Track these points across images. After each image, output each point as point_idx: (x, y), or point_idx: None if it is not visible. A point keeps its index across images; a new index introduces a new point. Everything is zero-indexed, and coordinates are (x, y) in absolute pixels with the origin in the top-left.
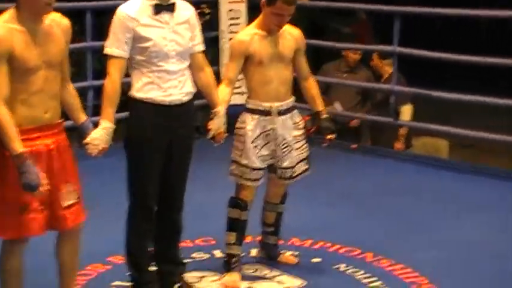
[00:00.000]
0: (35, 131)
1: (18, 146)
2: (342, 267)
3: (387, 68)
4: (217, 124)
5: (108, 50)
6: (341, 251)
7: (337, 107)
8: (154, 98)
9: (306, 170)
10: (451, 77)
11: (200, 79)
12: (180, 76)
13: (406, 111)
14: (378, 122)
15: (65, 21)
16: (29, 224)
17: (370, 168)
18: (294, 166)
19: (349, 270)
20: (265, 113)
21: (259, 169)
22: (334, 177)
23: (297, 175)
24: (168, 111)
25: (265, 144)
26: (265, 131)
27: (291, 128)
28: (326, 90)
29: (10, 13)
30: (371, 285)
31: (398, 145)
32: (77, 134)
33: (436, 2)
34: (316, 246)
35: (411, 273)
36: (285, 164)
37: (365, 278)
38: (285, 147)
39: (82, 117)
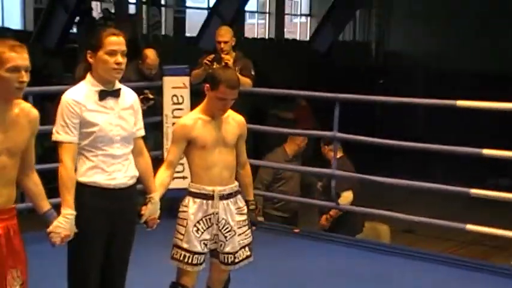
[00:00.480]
0: None
1: None
2: None
3: (331, 153)
4: (150, 210)
5: (58, 137)
6: None
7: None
8: (99, 182)
9: (249, 256)
10: (396, 163)
11: (139, 164)
12: (124, 160)
13: (345, 197)
14: (321, 206)
15: (34, 112)
16: None
17: (312, 253)
18: (237, 252)
19: None
20: (208, 197)
21: (201, 253)
22: (276, 260)
23: (239, 261)
24: (112, 194)
25: (207, 228)
26: (207, 215)
27: (233, 213)
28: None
29: None
30: None
31: (324, 221)
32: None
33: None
34: None
35: None
36: (227, 249)
37: None
38: (228, 232)
39: (45, 206)
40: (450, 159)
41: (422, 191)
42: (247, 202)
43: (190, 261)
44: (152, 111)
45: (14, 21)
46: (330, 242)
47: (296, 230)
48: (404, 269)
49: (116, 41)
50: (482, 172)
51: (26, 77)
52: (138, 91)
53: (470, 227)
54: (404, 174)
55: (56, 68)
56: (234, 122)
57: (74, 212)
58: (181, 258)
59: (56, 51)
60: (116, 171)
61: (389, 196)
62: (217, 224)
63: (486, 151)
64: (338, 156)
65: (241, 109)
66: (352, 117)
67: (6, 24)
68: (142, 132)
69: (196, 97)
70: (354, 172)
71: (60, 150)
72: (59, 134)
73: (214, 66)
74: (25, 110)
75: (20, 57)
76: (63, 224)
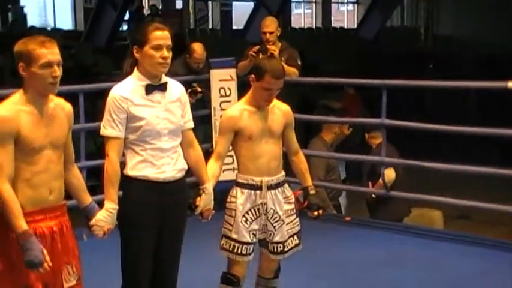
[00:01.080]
0: (39, 213)
1: (22, 223)
2: None
3: (373, 140)
4: (205, 201)
5: (105, 132)
6: None
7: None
8: (149, 176)
9: (297, 244)
10: (445, 148)
11: (190, 156)
12: (172, 153)
13: (388, 175)
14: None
15: (68, 106)
16: None
17: (364, 241)
18: (285, 241)
19: None
20: (256, 187)
21: (250, 243)
22: (326, 249)
23: (288, 250)
24: (162, 188)
25: (256, 218)
26: (255, 205)
27: (281, 203)
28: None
29: (18, 95)
30: None
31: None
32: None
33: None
34: None
35: None
36: (276, 238)
37: None
38: (276, 222)
39: (87, 199)
40: (505, 143)
41: (476, 175)
42: (306, 188)
43: (239, 251)
44: (201, 105)
45: (65, 21)
46: (382, 229)
47: (347, 218)
48: (459, 255)
49: (161, 36)
50: None
51: (58, 72)
52: (186, 85)
53: None
54: (458, 160)
55: (105, 66)
56: (280, 111)
57: (117, 206)
58: (230, 249)
59: (106, 49)
60: (165, 164)
61: (442, 182)
62: (265, 214)
63: None
64: (378, 142)
65: (289, 99)
66: (402, 103)
67: (58, 25)
68: (191, 124)
69: (243, 89)
70: (397, 157)
71: (106, 144)
72: (105, 128)
73: (260, 57)
74: (60, 105)
75: (51, 53)
76: (106, 218)
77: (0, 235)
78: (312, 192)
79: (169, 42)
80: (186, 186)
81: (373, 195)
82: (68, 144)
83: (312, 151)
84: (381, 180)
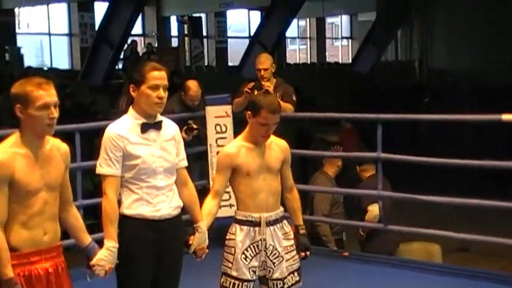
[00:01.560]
0: (35, 254)
1: (8, 271)
2: None
3: (364, 173)
4: (198, 240)
5: (101, 170)
6: None
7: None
8: (144, 214)
9: (298, 281)
10: (441, 180)
11: (183, 194)
12: (168, 191)
13: (371, 211)
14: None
15: (64, 147)
16: None
17: (363, 275)
18: (285, 277)
19: None
20: (255, 223)
21: (250, 281)
22: (326, 285)
23: (288, 287)
24: (158, 225)
25: (255, 255)
26: (254, 242)
27: (280, 239)
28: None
29: (14, 137)
30: None
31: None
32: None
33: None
34: None
35: None
36: (276, 275)
37: None
38: (276, 258)
39: (86, 239)
40: (502, 176)
41: (475, 208)
42: (297, 227)
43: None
44: (197, 141)
45: (62, 61)
46: (380, 263)
47: (345, 254)
48: None
49: (158, 76)
50: None
51: (55, 113)
52: (182, 122)
53: None
54: (454, 192)
55: (103, 104)
56: (277, 147)
57: (117, 245)
58: (230, 286)
59: (103, 88)
60: (161, 202)
61: (438, 214)
62: (265, 251)
63: None
64: (369, 175)
65: (286, 134)
66: (398, 137)
67: (55, 65)
68: (185, 163)
69: (239, 126)
70: (390, 190)
71: (104, 183)
72: (101, 167)
73: (255, 93)
74: (56, 145)
75: (48, 94)
76: (107, 257)
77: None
78: (302, 231)
79: (166, 82)
80: (182, 223)
81: (362, 233)
82: (66, 184)
83: (315, 186)
84: (366, 216)
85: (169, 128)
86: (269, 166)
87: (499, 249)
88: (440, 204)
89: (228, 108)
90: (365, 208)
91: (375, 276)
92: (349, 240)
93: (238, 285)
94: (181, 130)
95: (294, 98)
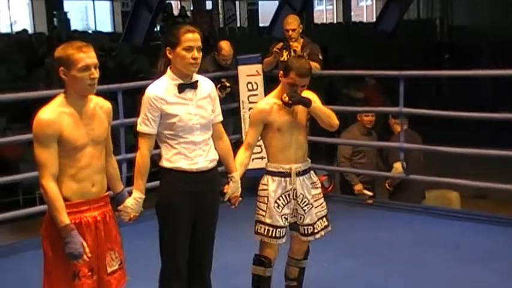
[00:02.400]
0: (84, 204)
1: (64, 218)
2: None
3: (396, 126)
4: (232, 188)
5: (139, 128)
6: None
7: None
8: (183, 167)
9: (326, 226)
10: (463, 133)
11: (219, 147)
12: (204, 145)
13: (396, 168)
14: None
15: (107, 104)
16: None
17: (386, 221)
18: (315, 223)
19: None
20: (285, 174)
21: (282, 227)
22: (353, 230)
23: (318, 232)
24: (196, 177)
25: (287, 203)
26: (286, 191)
27: (309, 187)
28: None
29: (60, 98)
30: None
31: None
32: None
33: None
34: None
35: None
36: (306, 221)
37: None
38: (306, 205)
39: (119, 187)
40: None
41: (492, 159)
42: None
43: (273, 234)
44: (230, 98)
45: (105, 25)
46: (403, 210)
47: (369, 201)
48: (476, 232)
49: (192, 38)
50: None
51: (96, 74)
52: (215, 80)
53: None
54: (476, 144)
55: (143, 64)
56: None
57: (143, 196)
58: (265, 233)
59: (142, 49)
60: (198, 156)
61: (461, 165)
62: (295, 199)
63: None
64: (399, 130)
65: (316, 90)
66: (421, 92)
67: (99, 28)
68: (220, 118)
69: (269, 84)
70: (421, 143)
71: (139, 139)
72: (140, 125)
73: (284, 53)
74: (99, 103)
75: (88, 56)
76: (133, 206)
77: (50, 227)
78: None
79: (199, 43)
80: (218, 175)
81: (388, 187)
82: (108, 138)
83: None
84: (391, 172)
85: (205, 85)
86: (298, 122)
87: None
88: (461, 155)
89: (258, 67)
90: (391, 163)
91: (399, 222)
92: (378, 192)
93: (272, 231)
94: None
95: (320, 57)
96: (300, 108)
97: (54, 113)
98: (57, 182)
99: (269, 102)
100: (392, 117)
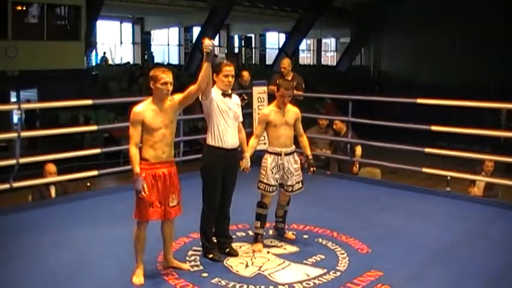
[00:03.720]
0: (157, 164)
1: (136, 169)
2: (320, 240)
3: (343, 128)
4: (245, 163)
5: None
6: (319, 231)
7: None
8: (220, 145)
9: (300, 188)
10: (383, 134)
11: (239, 136)
12: (233, 131)
13: (358, 149)
14: (341, 159)
15: (176, 97)
16: (152, 214)
17: (337, 185)
18: (294, 185)
19: (324, 242)
20: (278, 154)
21: (273, 185)
22: (317, 190)
23: (295, 190)
24: (226, 152)
25: (277, 171)
26: (277, 164)
27: (292, 163)
28: (310, 144)
29: (149, 99)
30: (336, 250)
31: (355, 169)
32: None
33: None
34: (305, 229)
35: (358, 243)
36: (288, 183)
37: (332, 246)
38: (289, 174)
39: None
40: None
41: (401, 149)
42: (307, 156)
43: (268, 190)
44: (247, 106)
45: (174, 60)
46: (347, 179)
47: (328, 173)
48: (389, 194)
49: (229, 69)
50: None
51: (170, 88)
52: (239, 95)
53: (425, 169)
54: (390, 140)
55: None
56: (292, 111)
57: (248, 157)
58: (263, 188)
59: (195, 75)
60: (230, 137)
61: (382, 153)
62: (283, 169)
63: (434, 127)
64: (345, 130)
65: (299, 105)
66: (359, 108)
67: (171, 62)
68: (241, 119)
69: (270, 98)
70: (357, 139)
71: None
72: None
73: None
74: (171, 101)
75: (168, 76)
76: (246, 160)
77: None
78: (310, 158)
79: (233, 73)
80: (239, 152)
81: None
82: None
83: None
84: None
85: (235, 98)
86: (287, 121)
87: (411, 172)
88: (382, 147)
89: (265, 88)
90: (354, 147)
91: (344, 185)
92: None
93: (267, 187)
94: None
95: (303, 86)
96: (289, 113)
97: (142, 106)
98: (142, 149)
99: (270, 109)
100: (338, 123)
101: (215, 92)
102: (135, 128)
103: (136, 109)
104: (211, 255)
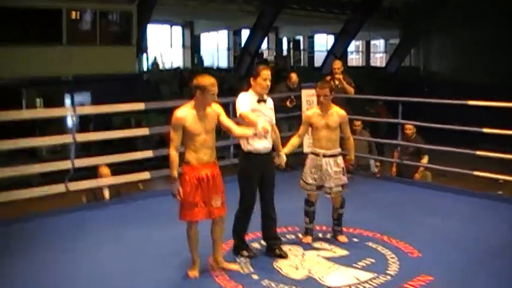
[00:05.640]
0: (199, 166)
1: (174, 173)
2: (370, 243)
3: (358, 128)
4: (279, 159)
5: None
6: (369, 234)
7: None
8: (253, 150)
9: (340, 191)
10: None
11: (273, 137)
12: (268, 136)
13: (426, 157)
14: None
15: (216, 106)
16: (198, 213)
17: (388, 188)
18: (332, 188)
19: (374, 246)
20: (317, 155)
21: (311, 184)
22: (367, 193)
23: (334, 193)
24: (261, 156)
25: (316, 172)
26: (316, 165)
27: (332, 165)
28: None
29: (191, 104)
30: (386, 253)
31: (417, 176)
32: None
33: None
34: (355, 232)
35: (408, 247)
36: (326, 185)
37: (382, 249)
38: (327, 176)
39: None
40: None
41: (454, 152)
42: (348, 160)
43: (306, 187)
44: (296, 109)
45: (224, 63)
46: (397, 182)
47: (378, 175)
48: (440, 197)
49: (266, 73)
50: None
51: (215, 96)
52: (287, 98)
53: (476, 173)
54: (442, 143)
55: (244, 87)
56: (337, 114)
57: (284, 155)
58: (302, 185)
59: (244, 77)
60: (264, 141)
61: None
62: (320, 170)
63: (486, 130)
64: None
65: (346, 106)
66: (409, 110)
67: (220, 65)
68: (274, 121)
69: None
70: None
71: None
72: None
73: (331, 82)
74: (212, 108)
75: (216, 89)
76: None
77: (181, 178)
78: (351, 162)
79: (270, 76)
80: (272, 155)
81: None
82: (226, 122)
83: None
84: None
85: (269, 102)
86: (328, 124)
87: (463, 175)
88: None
89: (314, 91)
90: (421, 156)
91: (393, 188)
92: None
93: (304, 185)
94: (286, 102)
95: (353, 85)
96: (332, 116)
97: (184, 112)
98: (185, 153)
99: (313, 111)
100: (355, 123)
101: (251, 98)
102: (176, 132)
103: (178, 114)
104: (243, 252)
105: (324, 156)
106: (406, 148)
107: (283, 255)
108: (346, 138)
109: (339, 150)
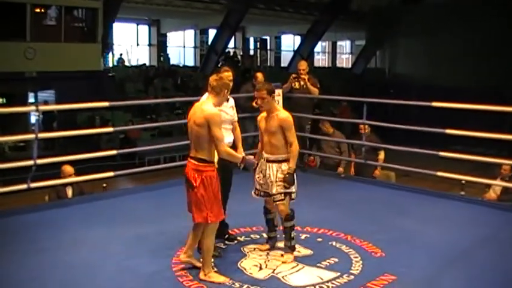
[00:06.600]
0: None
1: (241, 153)
2: (334, 243)
3: (328, 128)
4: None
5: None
6: (333, 234)
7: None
8: None
9: (282, 199)
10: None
11: (233, 134)
12: (228, 133)
13: (382, 153)
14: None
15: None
16: (223, 212)
17: (351, 188)
18: (275, 195)
19: (338, 245)
20: (263, 159)
21: (257, 189)
22: (330, 193)
23: (276, 201)
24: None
25: (261, 177)
26: (261, 170)
27: (274, 171)
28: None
29: (211, 101)
30: (349, 253)
31: (377, 173)
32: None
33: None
34: (319, 232)
35: (372, 247)
36: (269, 191)
37: (346, 249)
38: (269, 182)
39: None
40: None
41: (416, 153)
42: (288, 169)
43: (254, 192)
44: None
45: (190, 61)
46: (361, 182)
47: (342, 175)
48: (403, 197)
49: (228, 75)
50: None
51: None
52: (253, 98)
53: (439, 173)
54: (404, 143)
55: (205, 84)
56: (277, 118)
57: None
58: (254, 192)
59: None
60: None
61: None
62: (264, 176)
63: (448, 131)
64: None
65: (310, 107)
66: (374, 111)
67: (186, 63)
68: (236, 118)
69: (284, 100)
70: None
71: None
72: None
73: (296, 83)
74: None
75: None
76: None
77: (210, 177)
78: (286, 172)
79: (231, 78)
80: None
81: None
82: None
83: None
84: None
85: (231, 101)
86: (267, 129)
87: (425, 176)
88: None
89: (280, 91)
90: (377, 153)
91: (357, 188)
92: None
93: (252, 190)
94: (252, 102)
95: (318, 86)
96: (272, 122)
97: (216, 108)
98: (205, 152)
99: (262, 115)
100: (324, 123)
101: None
102: (221, 128)
103: (216, 110)
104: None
105: (268, 161)
106: (361, 147)
107: (232, 238)
108: (289, 144)
109: (283, 156)
